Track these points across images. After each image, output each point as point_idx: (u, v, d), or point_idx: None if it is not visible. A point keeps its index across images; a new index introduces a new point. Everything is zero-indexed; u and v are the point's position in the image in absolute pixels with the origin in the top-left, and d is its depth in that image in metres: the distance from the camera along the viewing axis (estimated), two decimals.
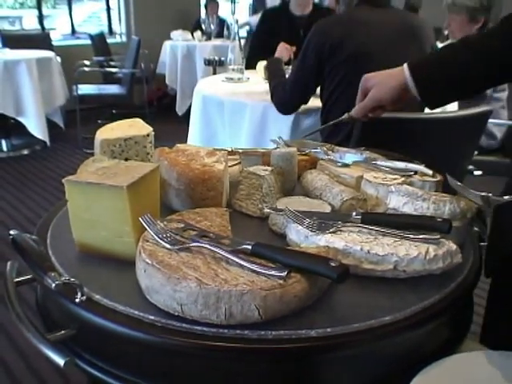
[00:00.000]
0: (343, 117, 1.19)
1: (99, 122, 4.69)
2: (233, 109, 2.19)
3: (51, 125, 4.61)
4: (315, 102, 1.94)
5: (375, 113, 1.14)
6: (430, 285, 0.70)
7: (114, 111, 5.40)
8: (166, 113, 5.80)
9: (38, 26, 6.22)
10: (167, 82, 5.65)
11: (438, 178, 0.93)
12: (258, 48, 3.01)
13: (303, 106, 1.94)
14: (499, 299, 0.99)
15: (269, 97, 2.00)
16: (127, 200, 0.71)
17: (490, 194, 0.85)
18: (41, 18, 6.20)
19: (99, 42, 5.68)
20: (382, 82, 1.08)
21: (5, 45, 5.00)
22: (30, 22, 6.66)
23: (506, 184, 1.11)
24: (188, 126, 2.49)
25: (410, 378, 0.66)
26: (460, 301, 0.73)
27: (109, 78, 5.37)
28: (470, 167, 1.87)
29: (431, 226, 0.75)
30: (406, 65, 1.04)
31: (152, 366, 0.65)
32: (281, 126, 2.04)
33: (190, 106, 2.63)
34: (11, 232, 0.76)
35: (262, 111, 2.08)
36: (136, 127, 1.00)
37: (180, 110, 5.49)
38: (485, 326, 1.01)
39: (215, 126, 2.32)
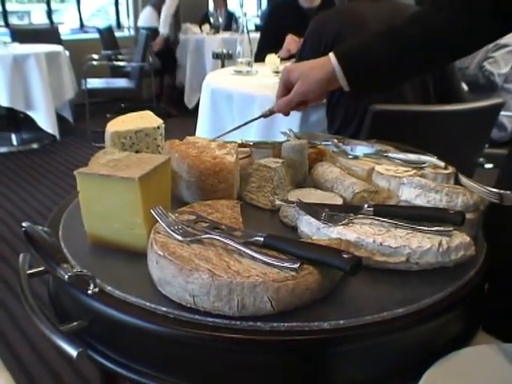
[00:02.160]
0: (264, 112, 1.10)
1: (108, 115, 4.68)
2: (242, 102, 2.18)
3: (60, 119, 4.63)
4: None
5: (299, 107, 1.07)
6: (442, 277, 0.70)
7: (122, 105, 5.40)
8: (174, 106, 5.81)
9: (47, 21, 6.25)
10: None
11: (451, 170, 0.92)
12: (266, 41, 3.00)
13: None
14: (497, 292, 0.98)
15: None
16: (139, 192, 0.71)
17: (504, 191, 0.83)
18: (49, 12, 6.22)
19: (107, 36, 5.69)
20: (308, 74, 1.00)
21: (14, 39, 5.03)
22: (38, 17, 6.68)
23: (500, 176, 1.06)
24: (196, 119, 2.49)
25: (423, 371, 0.65)
26: (473, 294, 0.72)
27: (117, 72, 5.37)
28: (481, 160, 1.86)
29: (444, 218, 0.74)
30: (331, 54, 0.98)
31: (164, 358, 0.65)
32: (290, 119, 2.00)
33: (199, 100, 2.62)
34: (24, 224, 0.76)
35: (271, 104, 2.07)
36: (146, 120, 1.00)
37: (189, 103, 5.49)
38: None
39: (224, 119, 2.31)
